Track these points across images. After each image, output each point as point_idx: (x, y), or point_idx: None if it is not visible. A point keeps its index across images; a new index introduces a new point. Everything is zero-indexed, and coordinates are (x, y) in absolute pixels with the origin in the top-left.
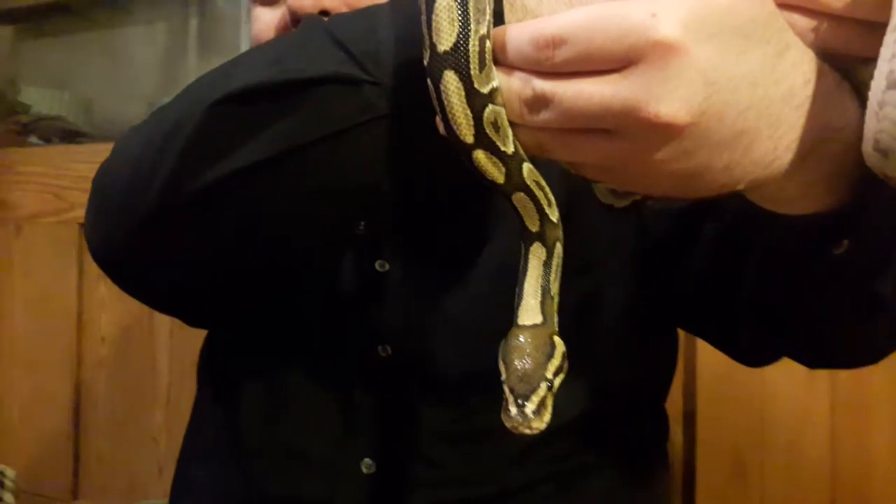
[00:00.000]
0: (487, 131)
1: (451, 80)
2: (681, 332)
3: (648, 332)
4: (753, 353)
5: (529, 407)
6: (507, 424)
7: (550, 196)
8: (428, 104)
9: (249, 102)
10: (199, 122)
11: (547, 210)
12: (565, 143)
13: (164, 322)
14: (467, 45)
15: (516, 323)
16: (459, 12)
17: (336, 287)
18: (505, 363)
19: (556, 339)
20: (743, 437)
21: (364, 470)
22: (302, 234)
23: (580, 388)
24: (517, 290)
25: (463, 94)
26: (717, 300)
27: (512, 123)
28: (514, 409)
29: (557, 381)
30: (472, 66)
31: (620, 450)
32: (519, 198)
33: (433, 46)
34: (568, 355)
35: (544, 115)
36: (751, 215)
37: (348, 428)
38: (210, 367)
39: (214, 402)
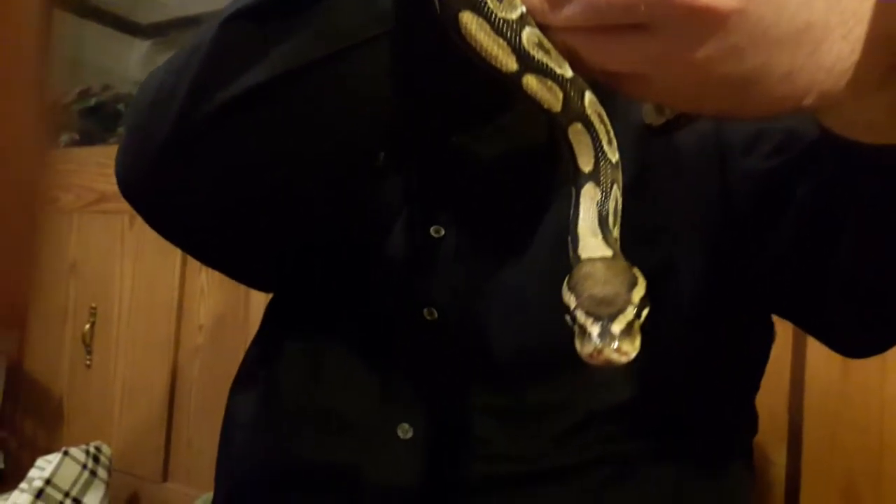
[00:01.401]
0: (533, 53)
1: (468, 19)
2: (788, 339)
3: (728, 311)
4: (851, 340)
5: (616, 326)
6: (585, 351)
7: (612, 133)
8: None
9: (259, 19)
10: (211, 43)
11: (606, 147)
12: (596, 44)
13: (258, 311)
14: None
15: (580, 258)
16: None
17: (386, 251)
18: (575, 291)
19: (637, 271)
20: (857, 461)
21: (400, 434)
22: (319, 161)
23: (644, 365)
24: (570, 236)
25: (488, 27)
26: (809, 275)
27: (542, 27)
28: (595, 330)
29: (644, 314)
30: (488, 1)
31: (689, 437)
32: (576, 130)
33: None
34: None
35: (568, 11)
36: (848, 172)
37: (386, 391)
38: (261, 327)
39: (259, 363)
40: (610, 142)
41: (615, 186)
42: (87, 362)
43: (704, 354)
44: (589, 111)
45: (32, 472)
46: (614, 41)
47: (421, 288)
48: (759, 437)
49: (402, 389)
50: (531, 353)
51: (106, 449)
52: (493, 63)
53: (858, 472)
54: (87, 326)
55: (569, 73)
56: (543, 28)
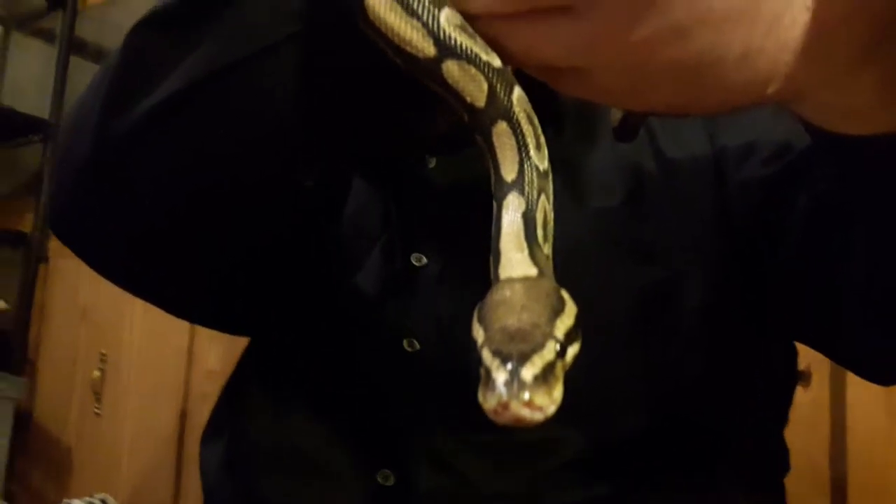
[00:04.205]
0: (455, 35)
1: (376, 1)
2: (825, 379)
3: (737, 333)
4: (879, 361)
5: (527, 372)
6: (487, 405)
7: (542, 138)
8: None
9: (163, 27)
10: (119, 56)
11: (532, 152)
12: (520, 33)
13: None
14: None
15: (498, 278)
16: None
17: (361, 281)
18: (484, 323)
19: (566, 294)
20: None
21: (381, 481)
22: (239, 185)
23: (647, 395)
24: (491, 253)
25: (399, 8)
26: (822, 290)
27: (465, 17)
28: (500, 377)
29: (571, 353)
30: None
31: (704, 474)
32: (500, 130)
33: None
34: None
35: None
36: (848, 172)
37: (362, 432)
38: (230, 377)
39: (225, 409)
40: (538, 147)
41: (543, 197)
42: (97, 410)
43: (715, 380)
44: (516, 109)
45: None
46: (539, 28)
47: (399, 319)
48: (798, 489)
49: (381, 430)
50: None
51: (112, 501)
52: (407, 48)
53: None
54: (97, 373)
55: (496, 62)
56: (467, 18)
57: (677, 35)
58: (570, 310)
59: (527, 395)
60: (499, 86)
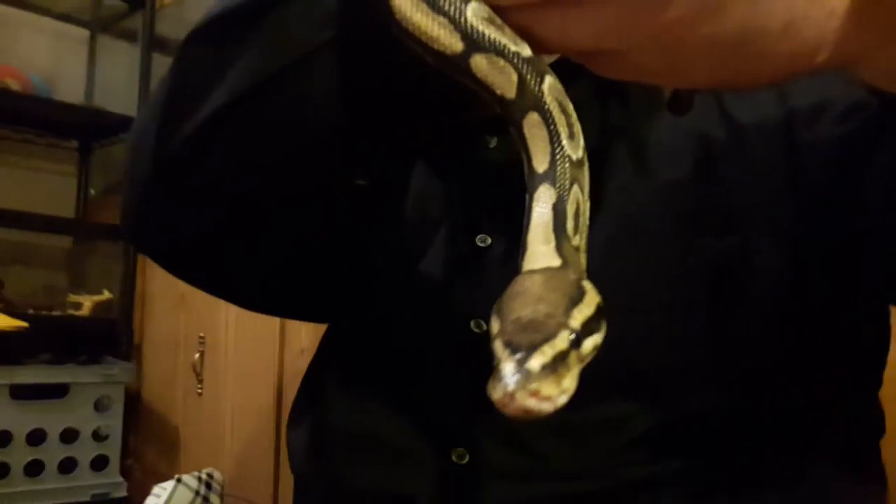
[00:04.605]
0: (482, 29)
1: (401, 1)
2: None
3: (821, 302)
4: None
5: (536, 361)
6: (494, 396)
7: (576, 127)
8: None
9: (209, 41)
10: (171, 73)
11: (565, 142)
12: (551, 21)
13: None
14: None
15: (520, 271)
16: None
17: (427, 265)
18: (500, 315)
19: (588, 284)
20: None
21: (455, 459)
22: (287, 191)
23: (720, 370)
24: (520, 246)
25: (425, 5)
26: None
27: (494, 9)
28: (508, 367)
29: (590, 344)
30: None
31: (787, 445)
32: (532, 121)
33: None
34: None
35: None
36: None
37: (435, 414)
38: (312, 360)
39: (309, 395)
40: (572, 136)
41: (576, 187)
42: (199, 390)
43: (796, 352)
44: (548, 98)
45: (149, 501)
46: (570, 14)
47: (466, 300)
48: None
49: (453, 411)
50: (597, 359)
51: (218, 475)
52: (434, 46)
53: None
54: (197, 356)
55: (526, 51)
56: (496, 10)
57: (711, 11)
58: (591, 299)
59: (534, 385)
60: (529, 76)
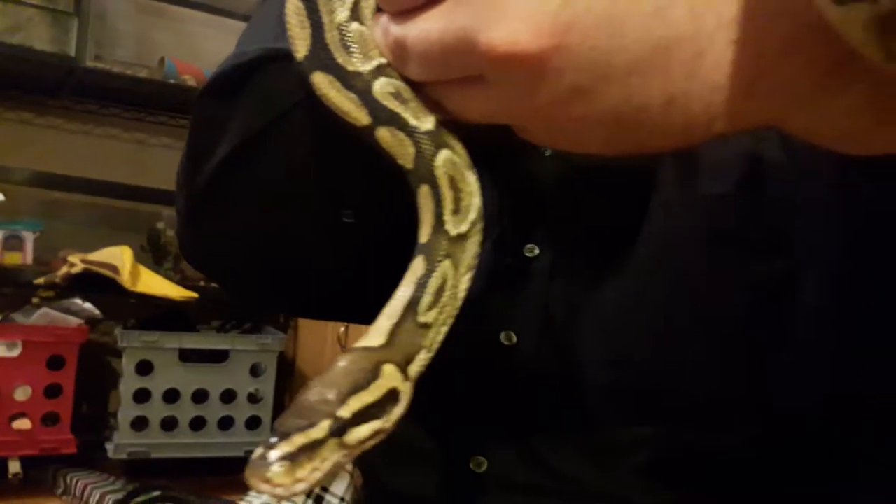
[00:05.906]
0: (386, 104)
1: (320, 80)
2: None
3: (874, 331)
4: None
5: (276, 452)
6: (245, 474)
7: (466, 201)
8: None
9: (216, 95)
10: (192, 120)
11: (446, 216)
12: (453, 96)
13: None
14: (324, 40)
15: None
16: (308, 13)
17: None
18: (300, 392)
19: (389, 369)
20: None
21: (472, 467)
22: (293, 226)
23: (755, 405)
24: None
25: (339, 84)
26: None
27: (409, 82)
28: (257, 451)
29: (365, 431)
30: (337, 58)
31: (831, 481)
32: (423, 192)
33: (294, 55)
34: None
35: (412, 67)
36: None
37: (456, 419)
38: None
39: None
40: (457, 211)
41: (447, 263)
42: None
43: (844, 384)
44: (438, 172)
45: None
46: (467, 92)
47: (502, 311)
48: None
49: (474, 419)
50: (620, 383)
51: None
52: (347, 119)
53: None
54: (343, 329)
55: (426, 125)
56: (408, 83)
57: (578, 95)
58: (381, 385)
59: (268, 474)
60: (425, 149)
